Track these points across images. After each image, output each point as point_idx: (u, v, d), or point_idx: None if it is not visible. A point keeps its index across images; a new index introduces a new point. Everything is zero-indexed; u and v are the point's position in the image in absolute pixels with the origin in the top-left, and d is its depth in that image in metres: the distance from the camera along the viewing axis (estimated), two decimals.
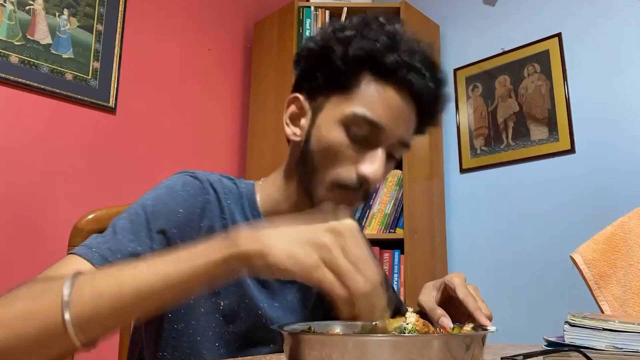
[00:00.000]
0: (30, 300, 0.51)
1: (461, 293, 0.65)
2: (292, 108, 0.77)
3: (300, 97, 0.76)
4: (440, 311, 0.65)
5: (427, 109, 0.74)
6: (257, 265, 0.50)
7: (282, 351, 0.50)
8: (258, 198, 0.79)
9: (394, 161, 0.76)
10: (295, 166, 0.76)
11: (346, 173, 0.70)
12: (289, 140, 0.79)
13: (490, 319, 0.64)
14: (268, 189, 0.80)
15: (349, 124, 0.69)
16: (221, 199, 0.75)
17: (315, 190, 0.72)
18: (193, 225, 0.71)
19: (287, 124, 0.77)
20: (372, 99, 0.69)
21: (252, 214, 0.77)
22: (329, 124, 0.71)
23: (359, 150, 0.70)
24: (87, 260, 0.61)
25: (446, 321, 0.62)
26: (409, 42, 0.71)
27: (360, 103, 0.69)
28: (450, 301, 0.68)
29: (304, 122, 0.75)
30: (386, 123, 0.69)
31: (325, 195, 0.71)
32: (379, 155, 0.70)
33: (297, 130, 0.76)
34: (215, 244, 0.52)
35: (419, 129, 0.77)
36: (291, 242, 0.49)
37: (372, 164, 0.69)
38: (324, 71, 0.72)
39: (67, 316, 0.49)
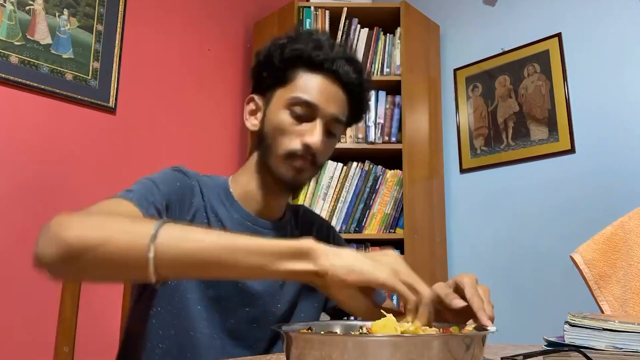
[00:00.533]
0: (127, 221, 0.64)
1: (469, 293, 0.66)
2: (250, 106, 0.95)
3: (255, 96, 0.94)
4: (453, 295, 0.67)
5: (352, 93, 0.91)
6: (331, 281, 0.59)
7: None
8: (231, 187, 0.93)
9: (334, 138, 0.92)
10: (256, 151, 0.92)
11: (293, 144, 0.86)
12: (251, 134, 0.95)
13: (492, 320, 0.64)
14: (238, 177, 0.94)
15: (291, 106, 0.87)
16: (201, 187, 0.89)
17: (272, 163, 0.88)
18: (186, 197, 0.85)
19: (247, 119, 0.94)
20: (306, 85, 0.87)
21: (227, 197, 0.91)
22: (276, 109, 0.88)
23: (301, 126, 0.86)
24: (133, 203, 0.74)
25: (457, 302, 0.65)
26: (332, 43, 0.90)
27: (298, 89, 0.87)
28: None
29: (259, 115, 0.93)
30: (319, 101, 0.86)
31: (280, 165, 0.87)
32: (317, 126, 0.86)
33: (255, 122, 0.93)
34: (285, 242, 0.61)
35: (354, 113, 0.94)
36: (364, 261, 0.59)
37: (311, 133, 0.86)
38: (268, 71, 0.91)
39: (154, 247, 0.58)
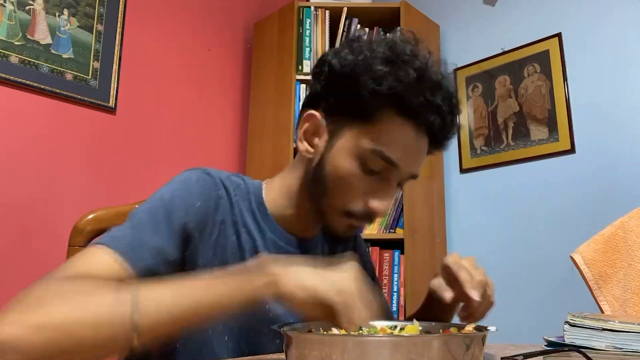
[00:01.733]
0: (96, 308, 0.53)
1: (454, 267, 0.70)
2: (308, 125, 0.77)
3: (318, 115, 0.76)
4: (443, 287, 0.70)
5: (439, 143, 0.76)
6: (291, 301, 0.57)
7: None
8: (265, 198, 0.81)
9: (401, 188, 0.79)
10: (305, 181, 0.78)
11: (356, 204, 0.73)
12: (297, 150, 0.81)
13: (485, 285, 0.70)
14: (274, 192, 0.81)
15: (366, 158, 0.71)
16: (231, 195, 0.77)
17: (325, 212, 0.75)
18: (208, 218, 0.73)
19: (300, 139, 0.78)
20: (392, 136, 0.71)
21: (259, 209, 0.79)
22: (346, 153, 0.72)
23: (371, 182, 0.73)
24: (116, 252, 0.63)
25: (447, 294, 0.68)
26: (434, 77, 0.71)
27: (380, 139, 0.70)
28: (455, 281, 0.71)
29: (317, 141, 0.76)
30: (401, 161, 0.71)
31: (335, 219, 0.75)
32: (391, 192, 0.74)
33: (311, 149, 0.76)
34: (259, 281, 0.58)
35: (430, 153, 0.80)
36: (316, 278, 0.57)
37: (382, 200, 0.73)
38: (347, 98, 0.72)
39: (134, 327, 0.52)
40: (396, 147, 0.71)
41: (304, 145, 0.77)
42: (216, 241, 0.74)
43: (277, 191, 0.81)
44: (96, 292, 0.55)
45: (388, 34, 0.75)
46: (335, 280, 0.58)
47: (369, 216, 0.74)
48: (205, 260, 0.73)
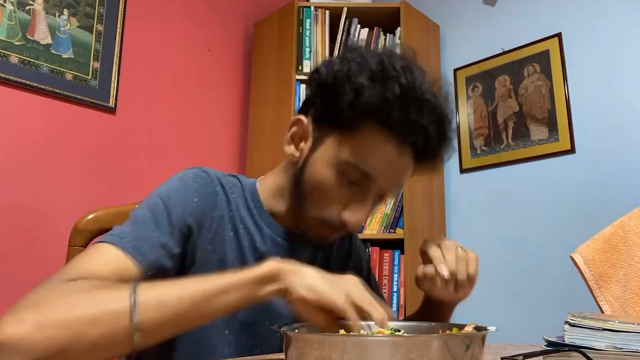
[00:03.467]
0: (96, 306, 0.53)
1: (425, 247, 0.74)
2: (295, 129, 0.78)
3: (305, 120, 0.77)
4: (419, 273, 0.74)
5: (427, 162, 0.75)
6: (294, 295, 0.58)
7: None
8: (260, 194, 0.82)
9: (383, 202, 0.78)
10: (290, 184, 0.79)
11: (330, 214, 0.73)
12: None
13: (463, 260, 0.72)
14: (268, 189, 0.82)
15: (343, 168, 0.71)
16: (227, 192, 0.79)
17: (302, 217, 0.76)
18: (207, 214, 0.75)
19: (288, 142, 0.79)
20: (371, 150, 0.70)
21: (255, 205, 0.80)
22: (324, 163, 0.73)
23: (347, 194, 0.72)
24: (121, 250, 0.63)
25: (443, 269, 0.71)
26: (423, 95, 0.69)
27: (358, 151, 0.70)
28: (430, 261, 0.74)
29: (303, 145, 0.77)
30: (380, 175, 0.71)
31: (310, 225, 0.75)
32: (366, 206, 0.73)
33: (296, 153, 0.78)
34: (268, 285, 0.59)
35: (417, 173, 0.78)
36: (324, 282, 0.58)
37: (355, 214, 0.72)
38: (330, 107, 0.72)
39: (135, 325, 0.53)
40: (375, 162, 0.70)
41: (290, 149, 0.78)
42: (214, 236, 0.75)
43: (270, 189, 0.82)
44: (98, 292, 0.55)
45: (387, 47, 0.72)
46: (343, 286, 0.59)
47: (343, 227, 0.74)
48: (204, 255, 0.74)
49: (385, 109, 0.68)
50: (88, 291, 0.55)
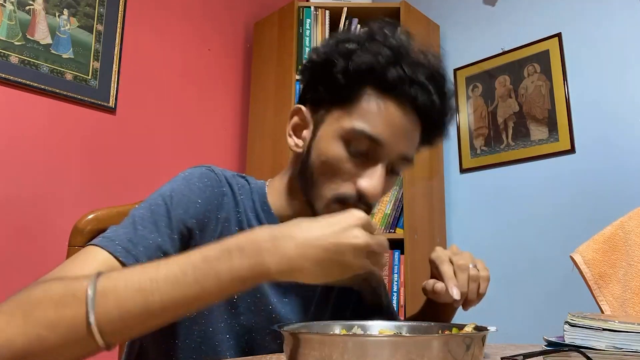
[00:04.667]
0: (52, 308, 0.50)
1: (437, 262, 0.72)
2: (295, 119, 0.77)
3: (304, 108, 0.76)
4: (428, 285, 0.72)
5: (431, 123, 0.73)
6: (283, 279, 0.54)
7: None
8: (268, 197, 0.79)
9: (396, 176, 0.76)
10: (297, 177, 0.77)
11: (345, 188, 0.70)
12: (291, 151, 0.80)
13: (474, 279, 0.70)
14: (276, 192, 0.80)
15: (349, 138, 0.69)
16: (235, 193, 0.76)
17: (315, 203, 0.72)
18: (211, 216, 0.72)
19: (290, 135, 0.77)
20: (373, 114, 0.69)
21: (263, 209, 0.78)
22: (329, 138, 0.71)
23: (358, 165, 0.70)
24: (110, 253, 0.61)
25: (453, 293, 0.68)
26: (414, 54, 0.70)
27: (361, 118, 0.69)
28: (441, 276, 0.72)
29: (305, 133, 0.76)
30: (386, 139, 0.69)
31: (325, 209, 0.71)
32: (378, 170, 0.70)
33: (299, 142, 0.76)
34: (239, 258, 0.53)
35: (426, 142, 0.77)
36: (318, 264, 0.53)
37: (370, 179, 0.69)
38: (325, 84, 0.72)
39: (92, 323, 0.49)
40: (378, 124, 0.69)
41: (292, 140, 0.77)
42: (219, 239, 0.73)
43: (278, 191, 0.80)
44: (55, 291, 0.52)
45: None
46: (350, 247, 0.53)
47: (361, 200, 0.70)
48: None
49: (379, 69, 0.68)
50: (45, 291, 0.52)
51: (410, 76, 0.68)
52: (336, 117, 0.71)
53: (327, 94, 0.73)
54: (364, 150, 0.69)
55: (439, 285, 0.71)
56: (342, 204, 0.70)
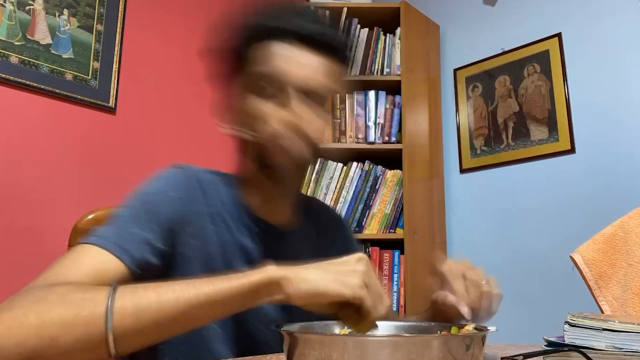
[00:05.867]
0: (70, 310, 0.51)
1: (449, 277, 0.72)
2: (216, 105, 0.84)
3: (219, 94, 0.84)
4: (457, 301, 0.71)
5: (328, 51, 0.77)
6: (293, 290, 0.56)
7: (282, 350, 0.50)
8: (238, 188, 0.83)
9: (322, 108, 0.77)
10: (242, 151, 0.82)
11: (279, 127, 0.73)
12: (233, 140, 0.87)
13: (486, 296, 0.70)
14: (241, 181, 0.84)
15: (257, 89, 0.74)
16: (204, 187, 0.79)
17: (266, 156, 0.75)
18: (187, 210, 0.74)
19: (219, 125, 0.84)
20: (266, 57, 0.74)
21: (234, 200, 0.80)
22: (242, 100, 0.77)
23: (278, 105, 0.74)
24: (105, 249, 0.62)
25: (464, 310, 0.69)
26: (280, 3, 0.78)
27: (256, 66, 0.75)
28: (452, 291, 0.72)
29: (230, 116, 0.82)
30: (284, 70, 0.73)
31: (274, 153, 0.74)
32: (300, 104, 0.73)
33: (230, 124, 0.82)
34: (268, 288, 0.56)
35: (338, 72, 0.80)
36: (329, 279, 0.56)
37: (298, 111, 0.73)
38: (222, 59, 0.80)
39: (109, 332, 0.50)
40: (274, 63, 0.73)
41: (223, 126, 0.83)
42: (196, 232, 0.74)
43: (242, 180, 0.83)
44: (72, 296, 0.53)
45: None
46: (357, 273, 0.57)
47: (295, 132, 0.73)
48: (187, 251, 0.73)
49: (253, 22, 0.76)
50: (63, 295, 0.53)
51: (280, 15, 0.76)
52: (240, 81, 0.78)
53: (226, 66, 0.80)
54: (273, 91, 0.73)
55: (451, 298, 0.70)
56: (282, 140, 0.73)
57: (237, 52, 0.77)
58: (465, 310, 0.68)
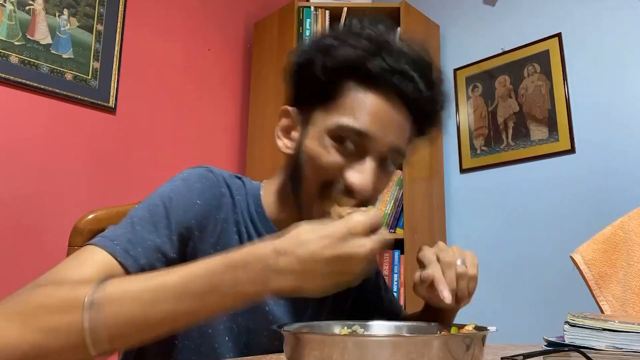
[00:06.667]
0: (52, 313, 0.50)
1: (424, 261, 0.70)
2: (284, 121, 0.76)
3: (291, 109, 0.76)
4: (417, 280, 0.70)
5: (421, 113, 0.72)
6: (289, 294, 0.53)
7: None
8: (262, 200, 0.79)
9: (390, 171, 0.74)
10: (289, 179, 0.76)
11: (332, 177, 0.68)
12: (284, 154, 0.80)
13: (462, 278, 0.66)
14: (269, 195, 0.79)
15: (336, 135, 0.68)
16: (233, 194, 0.75)
17: (303, 204, 0.71)
18: (210, 216, 0.72)
19: (279, 137, 0.76)
20: (357, 107, 0.68)
21: (257, 211, 0.77)
22: (316, 136, 0.70)
23: (346, 158, 0.68)
24: (109, 253, 0.60)
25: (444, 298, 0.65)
26: (395, 44, 0.69)
27: (345, 113, 0.68)
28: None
29: (294, 134, 0.75)
30: (373, 130, 0.67)
31: (311, 207, 0.70)
32: (367, 163, 0.68)
33: (289, 143, 0.75)
34: (244, 274, 0.52)
35: (419, 133, 0.76)
36: (323, 277, 0.52)
37: (359, 172, 0.67)
38: (308, 83, 0.72)
39: (86, 331, 0.49)
40: (363, 117, 0.67)
41: (282, 142, 0.76)
42: (218, 240, 0.72)
43: (271, 193, 0.79)
44: (55, 297, 0.52)
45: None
46: (357, 253, 0.52)
47: (350, 195, 0.67)
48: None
49: (358, 61, 0.67)
50: (47, 297, 0.51)
51: (392, 65, 0.67)
52: (322, 115, 0.70)
53: (311, 92, 0.72)
54: (353, 146, 0.68)
55: (425, 273, 0.68)
56: (326, 198, 0.68)
57: (325, 83, 0.69)
58: (445, 294, 0.64)
